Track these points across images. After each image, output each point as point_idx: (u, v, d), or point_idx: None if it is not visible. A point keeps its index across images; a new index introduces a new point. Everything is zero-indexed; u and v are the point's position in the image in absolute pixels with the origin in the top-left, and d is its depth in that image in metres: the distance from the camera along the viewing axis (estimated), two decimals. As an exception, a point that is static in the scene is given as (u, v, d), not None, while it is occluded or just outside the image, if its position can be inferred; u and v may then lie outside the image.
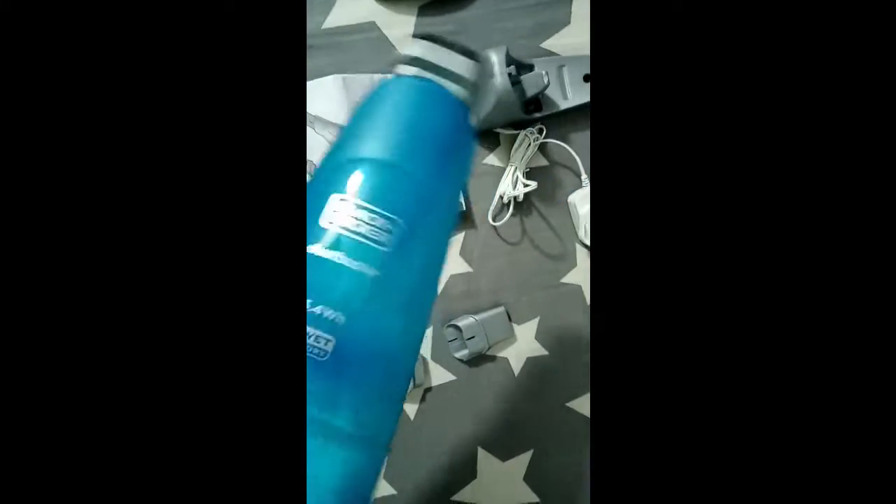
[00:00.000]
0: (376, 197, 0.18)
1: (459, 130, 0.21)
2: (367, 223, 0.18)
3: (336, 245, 0.18)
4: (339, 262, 0.18)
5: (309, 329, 0.17)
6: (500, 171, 0.39)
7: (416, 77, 0.21)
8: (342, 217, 0.18)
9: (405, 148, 0.20)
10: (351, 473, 0.18)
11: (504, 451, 0.43)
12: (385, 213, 0.18)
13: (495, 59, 0.33)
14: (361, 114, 0.21)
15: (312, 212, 0.18)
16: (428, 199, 0.19)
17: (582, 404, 0.43)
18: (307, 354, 0.17)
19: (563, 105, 0.38)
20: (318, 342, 0.17)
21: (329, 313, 0.17)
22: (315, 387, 0.17)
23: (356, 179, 0.19)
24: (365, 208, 0.18)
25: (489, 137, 0.39)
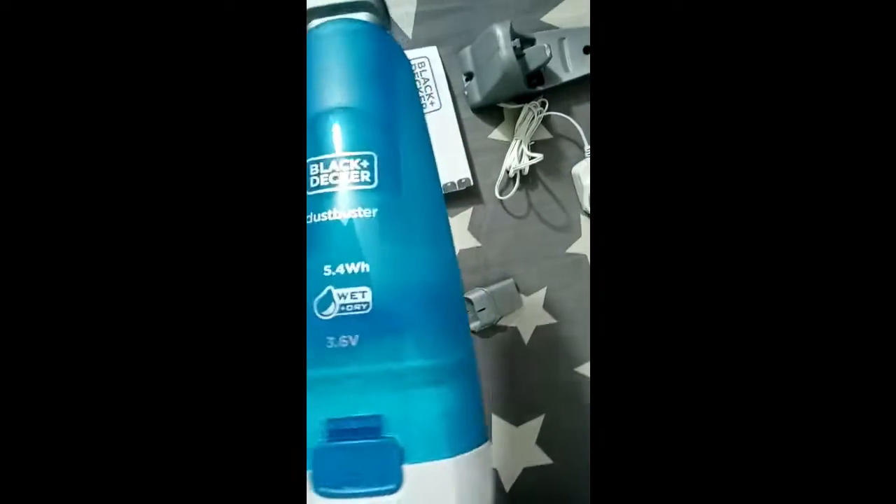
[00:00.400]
0: (342, 144, 0.19)
1: (384, 52, 0.21)
2: (344, 171, 0.18)
3: (328, 204, 0.18)
4: (337, 217, 0.18)
5: (341, 290, 0.17)
6: (505, 146, 0.40)
7: (320, 26, 0.20)
8: (322, 177, 0.18)
9: (343, 90, 0.20)
10: (452, 410, 0.18)
11: (517, 417, 0.45)
12: (355, 154, 0.18)
13: (500, 32, 0.33)
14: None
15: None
16: (387, 124, 0.19)
17: (589, 369, 0.45)
18: (349, 314, 0.17)
19: (565, 77, 0.39)
20: (354, 298, 0.17)
21: (352, 267, 0.18)
22: (372, 341, 0.17)
23: (317, 138, 0.19)
24: (336, 159, 0.18)
25: (493, 112, 0.40)
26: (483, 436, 0.20)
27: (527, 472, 0.45)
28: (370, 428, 0.17)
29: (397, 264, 0.18)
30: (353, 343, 0.17)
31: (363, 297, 0.18)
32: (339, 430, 0.17)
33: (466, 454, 0.18)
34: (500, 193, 0.40)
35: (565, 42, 0.39)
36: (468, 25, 0.39)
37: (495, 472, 0.45)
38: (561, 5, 0.40)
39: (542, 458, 0.45)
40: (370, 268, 0.18)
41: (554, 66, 0.39)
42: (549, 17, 0.40)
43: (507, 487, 0.45)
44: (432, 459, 0.17)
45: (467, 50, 0.38)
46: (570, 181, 0.41)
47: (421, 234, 0.19)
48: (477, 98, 0.38)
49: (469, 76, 0.38)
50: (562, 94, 0.40)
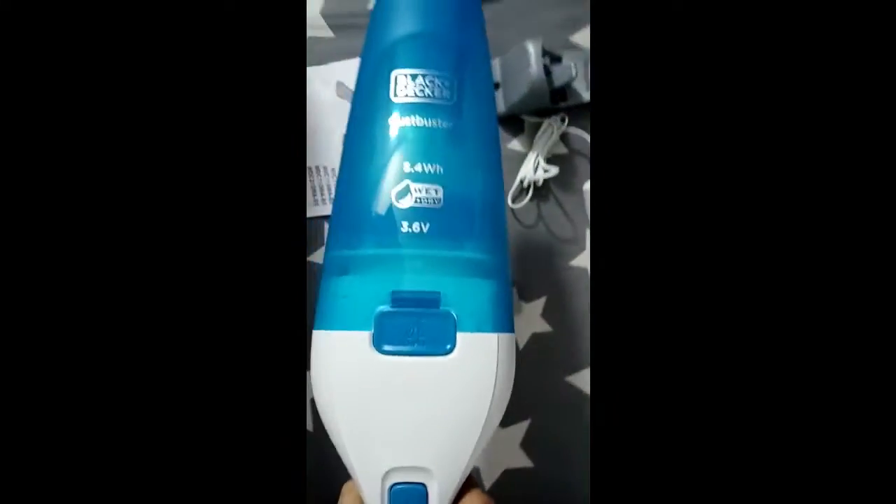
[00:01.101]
0: (425, 62, 0.23)
1: None
2: (429, 86, 0.22)
3: (412, 111, 0.22)
4: (420, 124, 0.22)
5: (418, 185, 0.21)
6: (523, 157, 0.42)
7: None
8: (409, 88, 0.22)
9: (436, 18, 0.24)
10: (497, 298, 0.22)
11: (504, 418, 0.46)
12: (435, 73, 0.22)
13: (532, 49, 0.35)
14: (380, 13, 0.26)
15: (381, 90, 0.22)
16: (467, 52, 0.24)
17: (580, 379, 0.46)
18: (423, 206, 0.21)
19: (587, 97, 0.40)
20: (428, 193, 0.21)
21: (428, 168, 0.21)
22: (440, 231, 0.21)
23: (408, 54, 0.23)
24: (424, 75, 0.22)
25: (514, 123, 0.42)
26: (513, 329, 0.24)
27: (507, 473, 0.46)
28: (431, 300, 0.21)
29: (466, 172, 0.22)
30: (425, 231, 0.21)
31: (436, 193, 0.21)
32: (402, 300, 0.21)
33: (505, 334, 0.22)
34: (513, 202, 0.41)
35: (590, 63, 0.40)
36: (498, 39, 0.41)
37: (476, 469, 0.46)
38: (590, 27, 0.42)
39: (524, 462, 0.46)
40: (443, 170, 0.22)
41: (577, 84, 0.40)
42: (578, 37, 0.42)
43: (487, 486, 0.46)
44: (481, 332, 0.21)
45: (497, 61, 0.39)
46: (581, 197, 0.43)
47: (483, 151, 0.24)
48: (501, 108, 0.40)
49: (496, 86, 0.40)
50: (582, 113, 0.41)
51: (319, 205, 0.41)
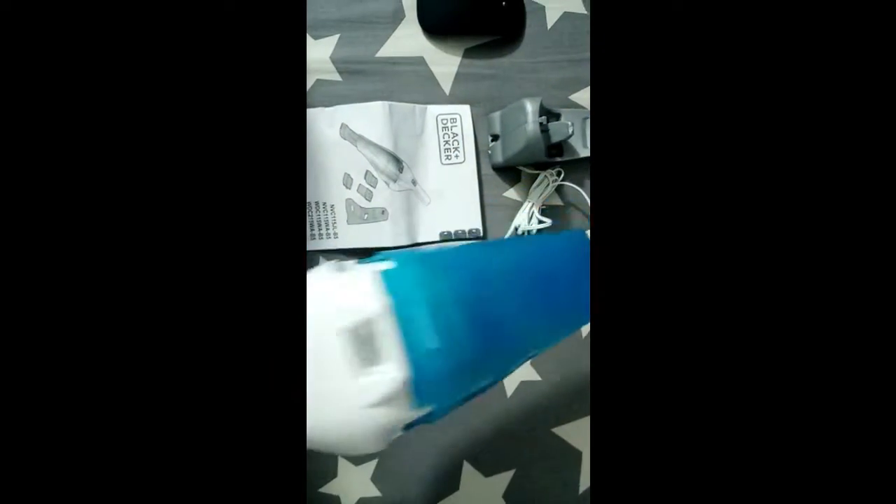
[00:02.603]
0: None
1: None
2: None
3: None
4: None
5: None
6: (518, 205, 0.43)
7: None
8: None
9: None
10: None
11: (488, 468, 0.45)
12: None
13: (530, 108, 0.37)
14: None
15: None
16: None
17: (567, 432, 0.45)
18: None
19: (583, 153, 0.42)
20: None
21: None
22: None
23: None
24: None
25: (511, 173, 0.43)
26: None
27: (489, 525, 0.45)
28: None
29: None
30: None
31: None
32: None
33: None
34: (507, 248, 0.42)
35: (588, 122, 0.42)
36: (501, 92, 0.42)
37: (457, 520, 0.45)
38: (588, 87, 0.44)
39: (506, 514, 0.45)
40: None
41: (574, 141, 0.42)
42: (577, 97, 0.43)
43: (467, 538, 0.45)
44: None
45: (497, 114, 0.41)
46: (574, 248, 0.44)
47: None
48: (499, 159, 0.41)
49: (495, 137, 0.41)
50: (577, 168, 0.43)
51: (316, 239, 0.42)
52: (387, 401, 0.18)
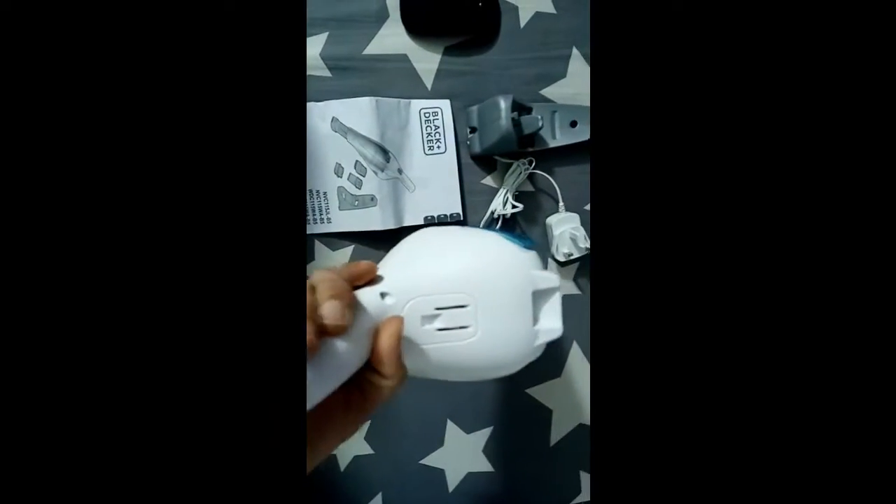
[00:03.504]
0: None
1: None
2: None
3: None
4: None
5: None
6: (494, 192, 0.47)
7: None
8: None
9: None
10: None
11: (468, 425, 0.50)
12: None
13: (503, 104, 0.41)
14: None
15: None
16: None
17: (539, 391, 0.51)
18: None
19: (552, 144, 0.46)
20: None
21: None
22: None
23: None
24: None
25: (488, 162, 0.47)
26: None
27: (470, 475, 0.51)
28: None
29: None
30: None
31: None
32: None
33: None
34: (484, 230, 0.47)
35: (556, 115, 0.46)
36: (479, 88, 0.46)
37: (441, 471, 0.50)
38: (560, 82, 0.48)
39: (486, 466, 0.51)
40: None
41: (545, 133, 0.46)
42: (547, 91, 0.47)
43: (451, 488, 0.51)
44: None
45: (475, 108, 0.45)
46: (544, 230, 0.48)
47: None
48: (476, 149, 0.45)
49: (472, 130, 0.45)
50: (548, 157, 0.47)
51: (311, 224, 0.46)
52: (544, 344, 0.27)
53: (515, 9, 0.46)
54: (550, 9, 0.47)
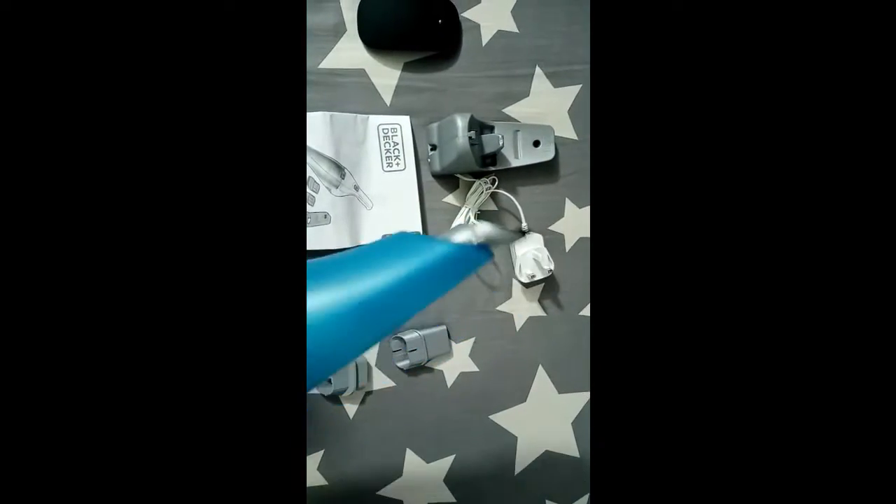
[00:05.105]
0: None
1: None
2: None
3: None
4: None
5: None
6: (456, 210, 0.46)
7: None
8: None
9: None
10: None
11: (429, 454, 0.48)
12: None
13: (460, 123, 0.40)
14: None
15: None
16: None
17: (502, 418, 0.49)
18: None
19: (514, 163, 0.45)
20: None
21: None
22: None
23: None
24: None
25: (450, 181, 0.46)
26: None
27: (430, 507, 0.48)
28: None
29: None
30: None
31: None
32: None
33: None
34: (445, 250, 0.45)
35: (519, 134, 0.46)
36: (439, 104, 0.45)
37: (400, 503, 0.48)
38: (522, 101, 0.47)
39: (447, 497, 0.49)
40: None
41: (507, 152, 0.45)
42: (510, 110, 0.47)
43: (411, 520, 0.48)
44: None
45: (435, 126, 0.44)
46: (507, 249, 0.47)
47: None
48: (437, 167, 0.44)
49: (433, 147, 0.44)
50: (510, 176, 0.46)
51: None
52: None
53: (478, 27, 0.46)
54: (513, 28, 0.47)
